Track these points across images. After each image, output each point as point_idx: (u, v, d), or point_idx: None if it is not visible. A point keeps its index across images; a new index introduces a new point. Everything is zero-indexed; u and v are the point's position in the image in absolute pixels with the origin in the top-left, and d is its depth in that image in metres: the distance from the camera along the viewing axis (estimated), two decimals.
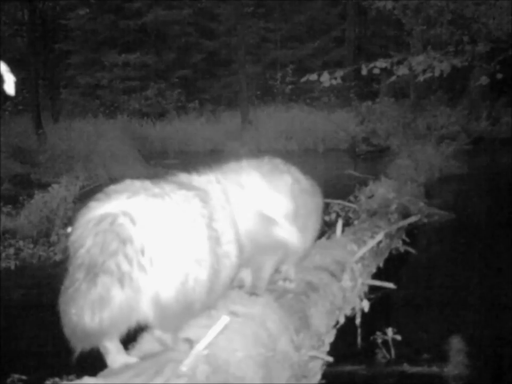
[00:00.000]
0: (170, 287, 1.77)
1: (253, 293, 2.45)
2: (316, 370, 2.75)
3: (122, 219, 1.75)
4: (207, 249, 1.90)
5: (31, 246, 6.62)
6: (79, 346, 1.74)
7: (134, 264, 1.71)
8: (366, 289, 3.83)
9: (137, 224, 1.75)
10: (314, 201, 2.77)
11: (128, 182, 1.91)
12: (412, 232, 6.04)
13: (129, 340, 1.93)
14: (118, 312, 1.71)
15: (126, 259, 1.70)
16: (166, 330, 1.90)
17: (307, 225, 2.70)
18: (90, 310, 1.69)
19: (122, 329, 1.80)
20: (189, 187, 1.99)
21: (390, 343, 3.73)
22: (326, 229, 5.14)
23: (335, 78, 6.77)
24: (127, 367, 1.80)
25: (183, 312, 1.84)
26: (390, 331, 3.74)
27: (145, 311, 1.78)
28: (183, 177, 2.14)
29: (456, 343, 4.04)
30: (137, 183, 1.89)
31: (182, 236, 1.82)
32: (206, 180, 2.20)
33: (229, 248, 2.04)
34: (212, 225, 1.95)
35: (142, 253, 1.73)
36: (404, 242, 5.61)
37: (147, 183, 1.89)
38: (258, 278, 2.50)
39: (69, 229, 1.86)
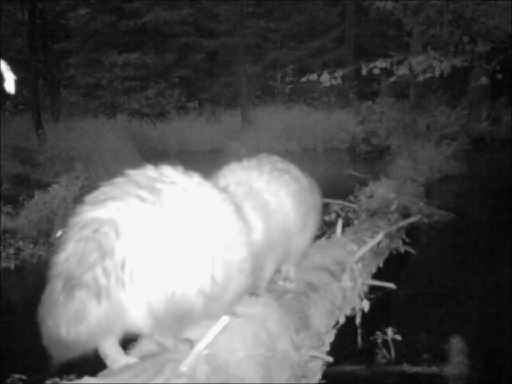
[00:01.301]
0: (155, 301, 1.72)
1: (253, 293, 2.44)
2: (316, 370, 2.75)
3: (108, 228, 1.68)
4: (202, 260, 1.81)
5: (31, 246, 6.62)
6: (57, 356, 1.72)
7: (112, 279, 1.66)
8: (366, 289, 3.83)
9: (122, 236, 1.68)
10: (313, 199, 2.76)
11: (122, 187, 1.81)
12: (412, 232, 6.04)
13: (129, 340, 1.92)
14: (95, 326, 1.68)
15: (103, 273, 1.65)
16: (164, 336, 1.89)
17: (307, 224, 2.70)
18: (66, 324, 1.66)
19: (102, 340, 1.77)
20: (195, 189, 1.90)
21: (390, 343, 3.73)
22: (326, 229, 5.15)
23: (335, 78, 6.78)
24: (127, 367, 1.79)
25: (176, 323, 1.81)
26: (390, 331, 3.74)
27: (136, 322, 1.75)
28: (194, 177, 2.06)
29: (456, 343, 4.04)
30: (131, 188, 1.78)
31: (171, 250, 1.73)
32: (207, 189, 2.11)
33: (239, 257, 1.95)
34: (208, 236, 1.84)
35: (122, 267, 1.67)
36: (404, 242, 5.61)
37: (142, 188, 1.78)
38: (259, 277, 2.48)
39: (59, 233, 1.82)
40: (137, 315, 1.73)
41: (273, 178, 2.54)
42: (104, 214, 1.72)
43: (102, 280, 1.65)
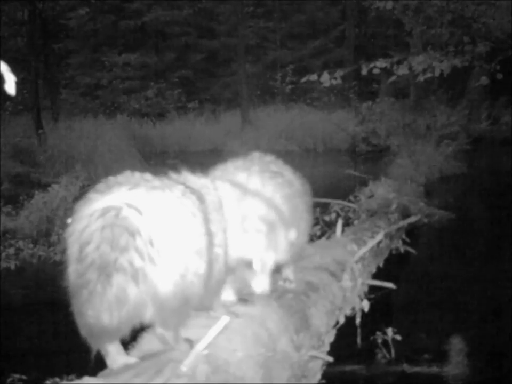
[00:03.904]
0: (169, 280, 1.76)
1: (242, 298, 2.39)
2: (316, 370, 2.75)
3: (127, 211, 1.73)
4: (204, 245, 1.90)
5: (31, 246, 6.62)
6: (96, 345, 1.75)
7: (145, 257, 1.70)
8: (366, 289, 3.83)
9: (143, 215, 1.73)
10: (304, 200, 2.71)
11: (128, 174, 1.89)
12: (412, 232, 6.04)
13: (129, 339, 1.92)
14: (133, 308, 1.72)
15: (137, 253, 1.69)
16: (166, 327, 1.90)
17: (299, 229, 2.66)
18: (108, 311, 1.69)
19: (137, 323, 1.80)
20: (185, 185, 1.99)
21: (390, 343, 3.73)
22: (326, 229, 5.15)
23: (335, 78, 6.77)
24: (127, 367, 1.80)
25: (182, 307, 1.83)
26: (390, 331, 3.74)
27: (148, 306, 1.78)
28: (178, 177, 2.12)
29: (456, 343, 4.04)
30: (137, 175, 1.88)
31: (183, 228, 1.81)
32: (200, 184, 2.15)
33: (220, 251, 2.04)
34: (207, 224, 1.95)
35: (151, 243, 1.71)
36: (404, 242, 5.61)
37: (147, 175, 1.89)
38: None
39: (69, 220, 1.82)
40: (153, 296, 1.75)
41: (266, 180, 2.46)
42: (116, 199, 1.76)
43: (137, 261, 1.69)
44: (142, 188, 1.80)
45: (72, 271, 1.74)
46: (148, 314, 1.79)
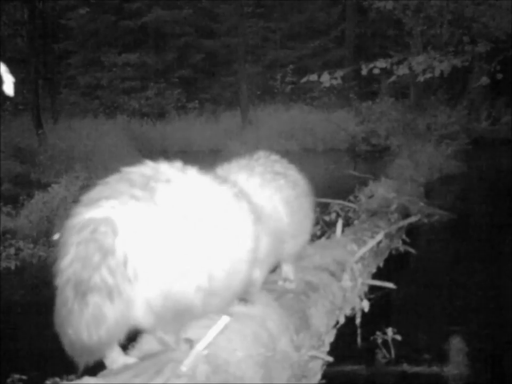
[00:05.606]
0: (154, 296, 1.73)
1: (243, 298, 2.38)
2: (316, 370, 2.75)
3: (104, 227, 1.68)
4: (202, 256, 1.81)
5: (31, 246, 6.62)
6: (82, 362, 1.73)
7: (118, 276, 1.66)
8: (366, 289, 3.83)
9: (119, 233, 1.68)
10: (308, 200, 2.71)
11: (112, 183, 1.82)
12: (411, 232, 6.04)
13: (129, 339, 1.92)
14: (114, 325, 1.69)
15: (109, 272, 1.65)
16: (167, 332, 1.89)
17: (301, 230, 2.66)
18: (86, 330, 1.66)
19: (122, 337, 1.78)
20: (191, 187, 1.89)
21: (390, 343, 3.73)
22: (326, 229, 5.15)
23: (335, 78, 6.78)
24: (127, 367, 1.79)
25: (176, 319, 1.81)
26: (390, 331, 3.74)
27: (140, 319, 1.76)
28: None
29: (456, 343, 4.04)
30: (123, 186, 1.78)
31: (166, 247, 1.74)
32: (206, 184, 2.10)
33: (238, 253, 1.96)
34: (198, 230, 1.83)
35: (125, 264, 1.67)
36: (404, 242, 5.61)
37: (135, 186, 1.78)
38: (249, 283, 2.43)
39: (56, 236, 1.81)
40: (140, 310, 1.73)
41: (266, 182, 2.44)
42: (99, 214, 1.71)
43: (110, 280, 1.65)
44: (127, 203, 1.74)
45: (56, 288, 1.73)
46: (144, 323, 1.77)
